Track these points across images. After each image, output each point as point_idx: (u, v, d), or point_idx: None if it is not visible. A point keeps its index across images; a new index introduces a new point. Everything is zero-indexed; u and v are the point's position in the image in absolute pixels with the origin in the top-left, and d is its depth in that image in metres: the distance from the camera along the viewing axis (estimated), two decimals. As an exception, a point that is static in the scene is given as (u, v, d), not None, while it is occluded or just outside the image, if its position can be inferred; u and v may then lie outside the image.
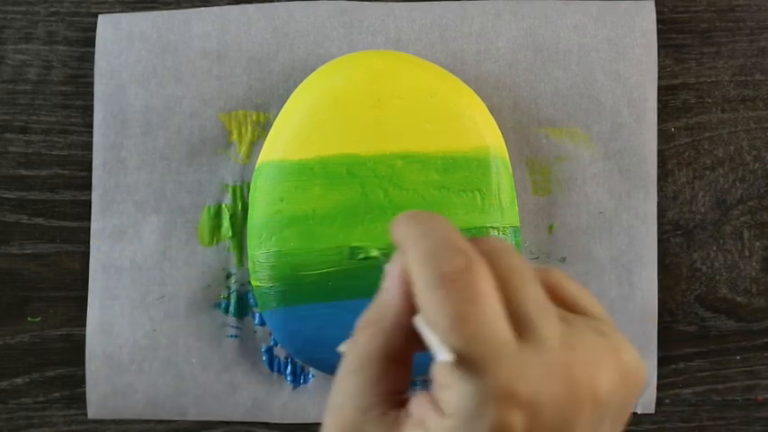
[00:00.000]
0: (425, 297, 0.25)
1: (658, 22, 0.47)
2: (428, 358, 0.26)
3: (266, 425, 0.46)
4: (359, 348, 0.27)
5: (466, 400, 0.24)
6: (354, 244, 0.43)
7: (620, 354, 0.26)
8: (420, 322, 0.26)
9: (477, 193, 0.44)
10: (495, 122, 0.45)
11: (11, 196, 0.47)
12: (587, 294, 0.28)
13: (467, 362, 0.24)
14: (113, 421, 0.47)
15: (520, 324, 0.25)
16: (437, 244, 0.26)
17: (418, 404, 0.26)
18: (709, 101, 0.47)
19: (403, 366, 0.27)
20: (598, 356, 0.26)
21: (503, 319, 0.25)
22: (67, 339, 0.47)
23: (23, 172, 0.47)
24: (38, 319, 0.47)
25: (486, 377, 0.24)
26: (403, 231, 0.27)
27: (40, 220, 0.47)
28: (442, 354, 0.24)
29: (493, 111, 0.45)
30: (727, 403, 0.47)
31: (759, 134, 0.47)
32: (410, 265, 0.26)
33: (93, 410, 0.46)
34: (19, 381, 0.47)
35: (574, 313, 0.27)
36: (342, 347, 0.28)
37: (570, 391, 0.25)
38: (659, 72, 0.47)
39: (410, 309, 0.27)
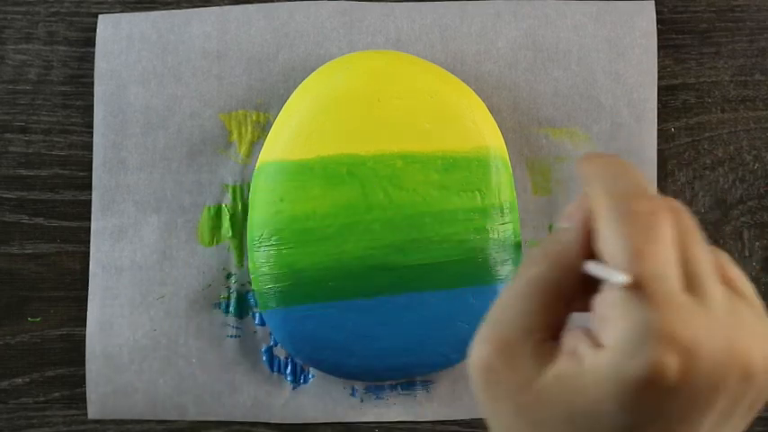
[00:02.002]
0: (610, 229, 0.26)
1: (658, 22, 0.47)
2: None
3: (266, 425, 0.46)
4: (533, 275, 0.28)
5: (629, 332, 0.25)
6: (355, 244, 0.43)
7: None
8: (593, 266, 0.27)
9: (477, 193, 0.44)
10: (495, 122, 0.45)
11: (11, 196, 0.47)
12: (747, 282, 0.29)
13: (641, 295, 0.25)
14: (113, 421, 0.47)
15: (690, 279, 0.26)
16: (630, 186, 0.27)
17: (573, 337, 0.27)
18: (709, 101, 0.47)
19: (565, 306, 0.28)
20: (754, 333, 0.26)
21: (677, 267, 0.26)
22: (67, 339, 0.47)
23: (23, 172, 0.47)
24: (38, 319, 0.47)
25: (654, 313, 0.25)
26: (595, 170, 0.28)
27: (40, 220, 0.47)
28: (618, 276, 0.25)
29: (493, 111, 0.45)
30: (727, 403, 0.47)
31: (759, 134, 0.47)
32: (598, 199, 0.27)
33: (93, 410, 0.46)
34: (19, 381, 0.47)
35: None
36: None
37: (728, 352, 0.25)
38: (659, 72, 0.47)
39: (586, 252, 0.28)
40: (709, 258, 0.27)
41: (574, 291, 0.28)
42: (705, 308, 0.26)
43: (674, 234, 0.26)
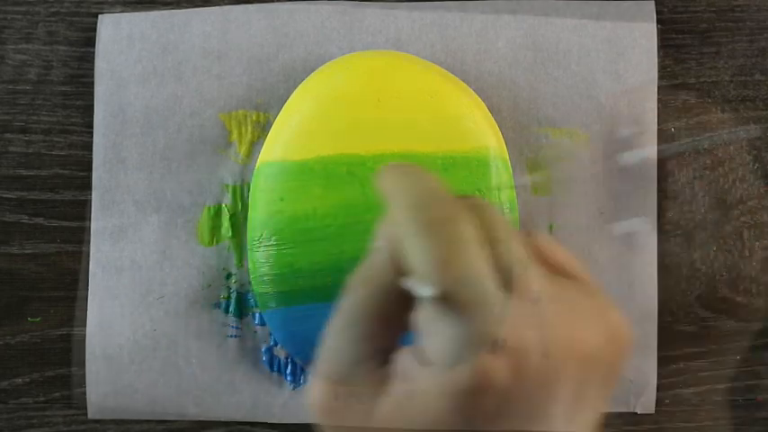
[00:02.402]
0: (412, 242, 0.25)
1: (658, 22, 0.47)
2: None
3: (266, 425, 0.46)
4: (352, 305, 0.27)
5: (450, 344, 0.24)
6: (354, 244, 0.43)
7: (606, 313, 0.26)
8: (408, 282, 0.26)
9: (477, 193, 0.44)
10: (495, 122, 0.45)
11: (11, 196, 0.47)
12: (573, 259, 0.28)
13: (452, 304, 0.24)
14: (113, 421, 0.47)
15: (504, 276, 0.25)
16: (426, 193, 0.26)
17: (402, 358, 0.26)
18: (709, 101, 0.47)
19: (393, 326, 0.27)
20: (583, 313, 0.26)
21: (488, 268, 0.25)
22: (67, 339, 0.47)
23: (23, 172, 0.47)
24: (38, 319, 0.47)
25: (472, 320, 0.24)
26: (391, 182, 0.27)
27: (40, 220, 0.47)
28: (424, 290, 0.24)
29: (493, 111, 0.45)
30: (727, 403, 0.47)
31: (759, 134, 0.47)
32: (397, 213, 0.26)
33: (94, 410, 0.46)
34: (19, 381, 0.47)
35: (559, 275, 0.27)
36: None
37: (555, 343, 0.25)
38: (659, 72, 0.47)
39: (400, 269, 0.26)
40: (520, 249, 0.26)
41: (399, 310, 0.27)
42: (524, 301, 0.25)
43: (478, 233, 0.25)
